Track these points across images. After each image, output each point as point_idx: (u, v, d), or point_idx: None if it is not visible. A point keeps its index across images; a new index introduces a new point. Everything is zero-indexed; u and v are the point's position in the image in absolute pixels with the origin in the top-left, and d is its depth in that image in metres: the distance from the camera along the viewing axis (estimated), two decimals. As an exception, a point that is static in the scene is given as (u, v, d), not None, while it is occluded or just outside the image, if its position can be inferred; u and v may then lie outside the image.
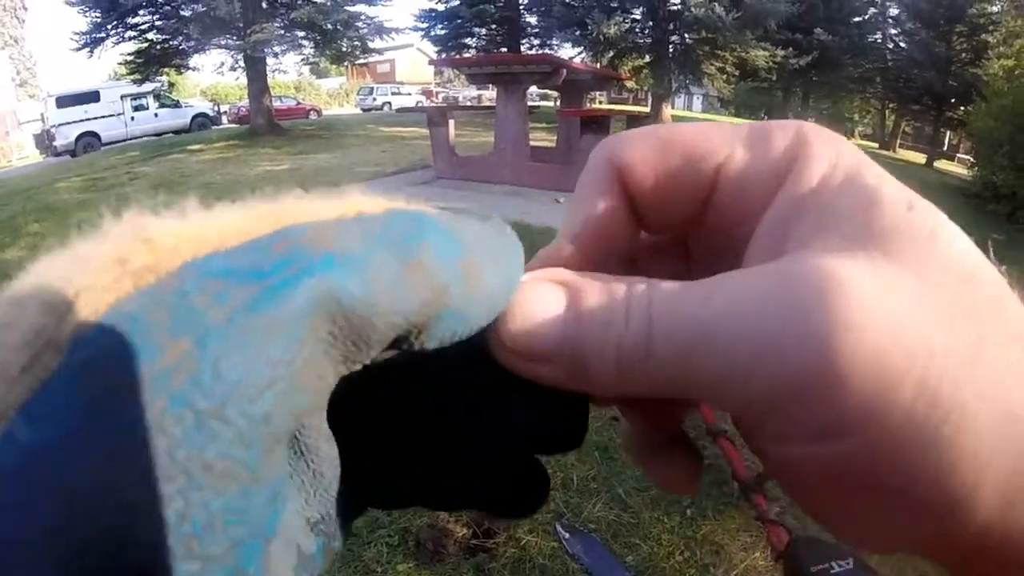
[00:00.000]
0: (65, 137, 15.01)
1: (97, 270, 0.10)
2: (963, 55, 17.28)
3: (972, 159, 12.77)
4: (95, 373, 0.09)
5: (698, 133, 0.17)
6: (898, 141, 22.58)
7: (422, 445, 0.17)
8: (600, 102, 22.70)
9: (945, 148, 24.50)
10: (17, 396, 0.09)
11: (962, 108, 17.19)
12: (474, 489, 0.18)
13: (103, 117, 15.76)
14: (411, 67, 38.25)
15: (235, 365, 0.09)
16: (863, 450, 0.12)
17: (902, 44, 19.30)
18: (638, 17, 14.43)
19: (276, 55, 13.41)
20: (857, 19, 18.07)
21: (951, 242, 0.13)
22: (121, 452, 0.08)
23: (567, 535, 1.53)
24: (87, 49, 12.64)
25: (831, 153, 0.15)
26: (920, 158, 19.67)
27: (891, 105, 21.72)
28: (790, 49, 14.57)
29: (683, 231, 0.18)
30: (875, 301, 0.12)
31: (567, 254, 0.17)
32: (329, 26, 12.63)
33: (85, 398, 0.09)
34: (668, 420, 0.19)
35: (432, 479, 0.18)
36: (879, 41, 19.55)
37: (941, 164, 19.48)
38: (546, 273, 0.15)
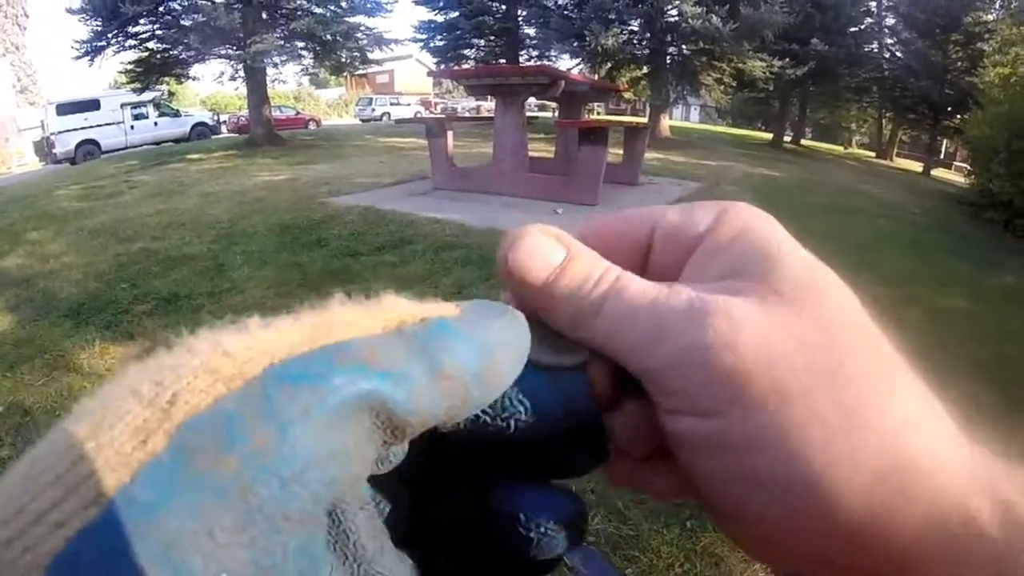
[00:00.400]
0: (65, 145, 15.03)
1: (191, 377, 0.12)
2: (959, 64, 17.37)
3: (969, 167, 12.81)
4: (199, 452, 0.11)
5: (647, 208, 0.23)
6: (895, 150, 22.69)
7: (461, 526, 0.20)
8: (598, 113, 22.78)
9: (942, 156, 24.62)
10: (132, 468, 0.11)
11: (958, 116, 17.24)
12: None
13: (103, 125, 15.80)
14: (410, 78, 38.33)
15: (309, 446, 0.12)
16: (727, 428, 0.16)
17: (898, 53, 19.42)
18: (636, 28, 14.46)
19: (276, 65, 13.42)
20: (853, 29, 18.12)
21: (833, 293, 0.17)
22: (217, 507, 0.11)
23: (567, 548, 1.52)
24: (88, 57, 12.61)
25: (741, 223, 0.19)
26: (917, 166, 19.75)
27: (888, 114, 21.84)
28: (787, 59, 14.59)
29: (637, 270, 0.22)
30: (748, 325, 0.16)
31: None
32: (329, 37, 12.66)
33: (192, 470, 0.11)
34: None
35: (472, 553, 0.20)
36: (875, 51, 19.62)
37: (938, 172, 19.56)
38: (557, 232, 0.20)
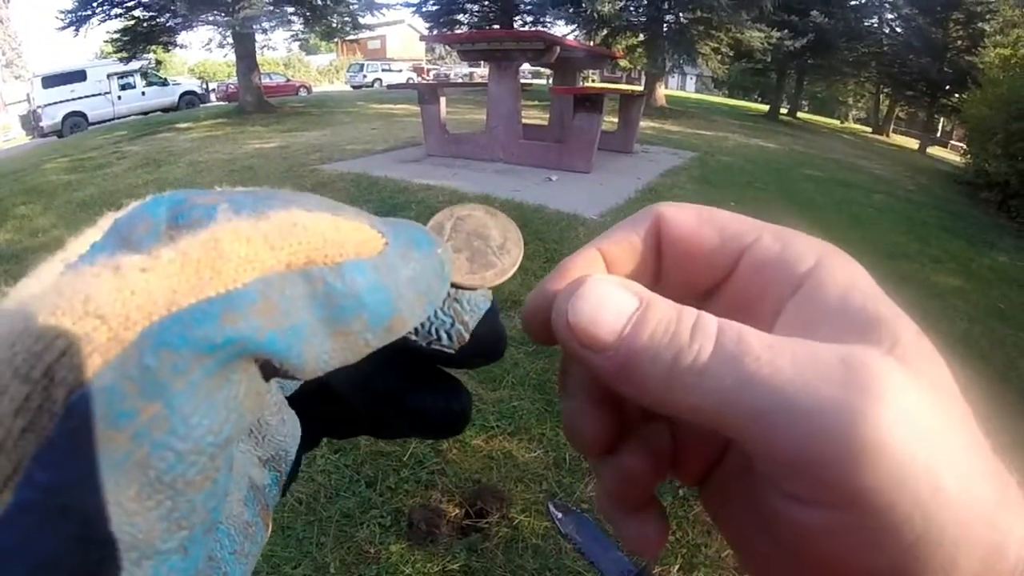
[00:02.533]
0: (51, 118, 14.78)
1: (65, 348, 0.11)
2: (959, 42, 17.21)
3: (965, 146, 12.77)
4: (88, 433, 0.11)
5: (734, 216, 0.19)
6: (891, 126, 22.57)
7: (354, 391, 0.20)
8: (593, 80, 22.47)
9: (938, 135, 24.52)
10: (25, 451, 0.11)
11: (957, 95, 17.17)
12: (403, 419, 0.20)
13: (90, 96, 15.51)
14: (402, 43, 37.79)
15: (201, 416, 0.12)
16: (863, 525, 0.13)
17: (898, 29, 19.20)
18: (633, -5, 14.23)
19: (265, 31, 13.14)
20: (854, 2, 17.90)
21: (943, 361, 0.15)
22: (116, 482, 0.11)
23: (560, 515, 1.52)
24: (73, 27, 12.30)
25: (849, 273, 0.17)
26: (913, 144, 19.67)
27: (885, 90, 21.68)
28: (786, 31, 14.42)
29: (696, 293, 0.19)
30: (905, 408, 0.13)
31: (590, 257, 0.20)
32: (319, 1, 12.40)
33: (84, 449, 0.11)
34: (643, 483, 0.20)
35: (367, 415, 0.21)
36: (875, 25, 19.39)
37: (934, 150, 19.50)
38: (620, 279, 0.17)
